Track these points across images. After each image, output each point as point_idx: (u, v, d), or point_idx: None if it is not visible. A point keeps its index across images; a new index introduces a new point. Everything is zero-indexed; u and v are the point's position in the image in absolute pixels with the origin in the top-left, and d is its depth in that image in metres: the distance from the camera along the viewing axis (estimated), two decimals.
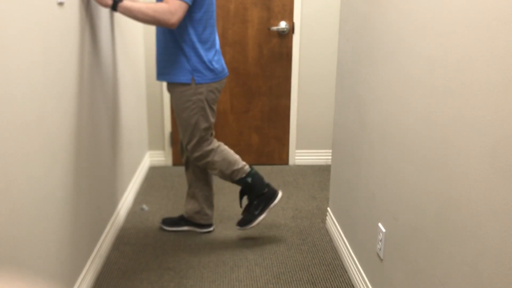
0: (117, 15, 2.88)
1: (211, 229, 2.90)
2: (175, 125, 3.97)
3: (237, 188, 3.58)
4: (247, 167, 2.67)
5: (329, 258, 2.63)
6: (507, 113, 1.13)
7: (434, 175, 1.51)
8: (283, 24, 3.84)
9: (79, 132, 2.13)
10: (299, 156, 4.12)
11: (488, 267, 1.22)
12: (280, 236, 2.86)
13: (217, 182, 3.69)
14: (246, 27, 3.84)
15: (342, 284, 2.39)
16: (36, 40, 1.67)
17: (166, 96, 3.92)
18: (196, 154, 2.62)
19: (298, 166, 4.10)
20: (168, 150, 4.04)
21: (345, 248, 2.53)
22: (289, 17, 3.84)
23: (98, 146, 2.45)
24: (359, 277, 2.29)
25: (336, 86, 2.75)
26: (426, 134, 1.56)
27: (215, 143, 2.65)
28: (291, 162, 4.12)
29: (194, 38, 2.47)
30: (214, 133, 2.66)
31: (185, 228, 2.90)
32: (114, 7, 2.26)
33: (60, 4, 1.90)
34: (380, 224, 2.00)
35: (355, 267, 2.35)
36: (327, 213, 2.99)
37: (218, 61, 2.58)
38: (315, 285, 2.37)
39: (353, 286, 2.37)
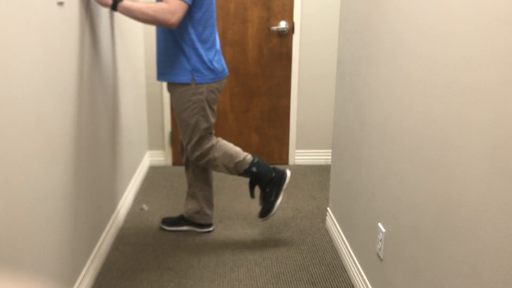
0: (117, 15, 2.88)
1: (211, 229, 2.90)
2: (175, 125, 3.97)
3: (237, 188, 3.58)
4: (249, 157, 2.65)
5: (329, 258, 2.63)
6: (507, 113, 1.13)
7: (434, 175, 1.51)
8: (283, 24, 3.84)
9: (79, 132, 2.13)
10: (299, 156, 4.12)
11: (487, 267, 1.22)
12: (280, 236, 2.86)
13: (217, 182, 3.69)
14: (246, 27, 3.84)
15: (342, 284, 2.39)
16: (36, 40, 1.67)
17: (166, 96, 3.92)
18: (196, 153, 2.62)
19: (298, 166, 4.10)
20: (168, 150, 4.04)
21: (345, 248, 2.53)
22: (289, 17, 3.84)
23: (98, 145, 2.45)
24: (359, 277, 2.29)
25: (336, 86, 2.75)
26: (426, 134, 1.56)
27: (214, 139, 2.65)
28: (291, 162, 4.13)
29: (194, 38, 2.47)
30: (214, 132, 2.66)
31: (185, 228, 2.90)
32: (114, 7, 2.26)
33: (60, 4, 1.90)
34: (380, 224, 2.00)
35: (355, 267, 2.35)
36: (327, 213, 2.99)
37: (219, 61, 2.58)
38: (315, 285, 2.37)
39: (352, 286, 2.37)
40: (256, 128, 4.05)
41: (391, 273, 1.88)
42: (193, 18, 2.44)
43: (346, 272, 2.49)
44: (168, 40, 2.49)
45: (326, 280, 2.42)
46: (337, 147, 2.75)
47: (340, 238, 2.65)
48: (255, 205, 3.28)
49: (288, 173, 2.69)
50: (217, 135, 4.03)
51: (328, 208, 2.98)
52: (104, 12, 2.56)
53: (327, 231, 2.94)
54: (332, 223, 2.83)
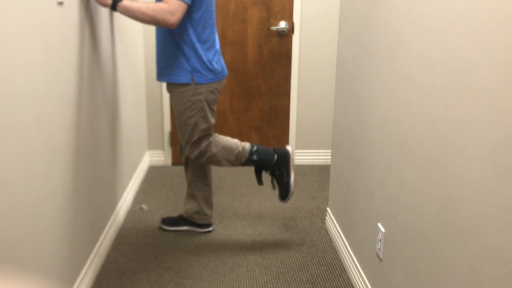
0: (117, 15, 2.88)
1: (210, 229, 2.90)
2: (174, 125, 3.97)
3: (236, 188, 3.59)
4: (247, 146, 2.64)
5: (328, 258, 2.63)
6: (506, 113, 1.13)
7: (433, 175, 1.51)
8: (282, 24, 3.84)
9: (79, 131, 2.13)
10: (298, 156, 4.12)
11: (487, 267, 1.22)
12: (279, 236, 2.86)
13: (217, 182, 3.69)
14: (245, 27, 3.84)
15: (342, 284, 2.39)
16: (36, 40, 1.67)
17: (166, 95, 3.92)
18: (195, 152, 2.61)
19: (298, 166, 4.10)
20: (168, 150, 4.04)
21: (345, 248, 2.54)
22: (289, 17, 3.84)
23: (98, 145, 2.45)
24: (358, 277, 2.29)
25: (336, 86, 2.75)
26: (425, 134, 1.56)
27: (211, 137, 2.64)
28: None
29: (194, 38, 2.47)
30: (213, 133, 2.65)
31: (185, 227, 2.90)
32: (113, 7, 2.26)
33: (60, 3, 1.90)
34: (379, 224, 2.00)
35: (355, 267, 2.35)
36: (327, 213, 2.99)
37: (218, 61, 2.58)
38: (315, 285, 2.38)
39: (352, 286, 2.37)
40: (256, 128, 4.06)
41: (391, 273, 1.88)
42: (193, 18, 2.44)
43: (345, 272, 2.49)
44: (168, 40, 2.49)
45: (326, 280, 2.42)
46: (336, 147, 2.75)
47: (339, 238, 2.65)
48: (255, 205, 3.28)
49: (289, 148, 2.67)
50: None
51: (327, 208, 2.98)
52: (104, 12, 2.56)
53: (327, 231, 2.94)
54: (332, 223, 2.83)
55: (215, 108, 2.63)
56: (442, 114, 1.45)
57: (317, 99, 4.02)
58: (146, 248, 2.70)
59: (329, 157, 4.13)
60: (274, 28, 3.83)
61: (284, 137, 4.08)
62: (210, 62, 2.52)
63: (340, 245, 2.63)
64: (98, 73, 2.45)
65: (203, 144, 2.60)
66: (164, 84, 3.90)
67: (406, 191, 1.73)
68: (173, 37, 2.48)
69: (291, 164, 2.65)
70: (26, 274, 1.61)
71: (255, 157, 2.62)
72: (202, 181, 2.82)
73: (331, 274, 2.48)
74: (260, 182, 2.70)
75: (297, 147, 4.11)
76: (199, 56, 2.49)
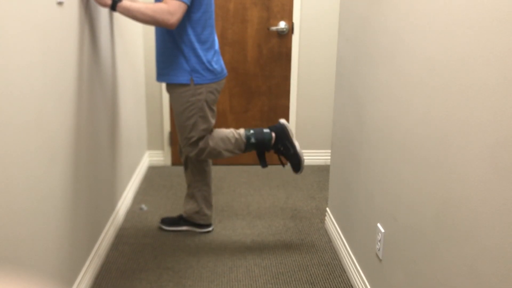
0: (117, 15, 2.88)
1: (210, 229, 2.90)
2: (174, 125, 3.97)
3: (236, 188, 3.59)
4: (242, 131, 2.63)
5: (328, 258, 2.63)
6: (506, 113, 1.14)
7: (433, 175, 1.51)
8: (282, 24, 3.84)
9: (79, 132, 2.13)
10: None
11: (487, 268, 1.22)
12: (279, 236, 2.86)
13: (216, 182, 3.69)
14: (245, 27, 3.84)
15: (341, 284, 2.39)
16: (36, 40, 1.67)
17: (165, 95, 3.92)
18: (195, 151, 2.61)
19: None
20: (167, 150, 4.04)
21: (344, 248, 2.54)
22: (289, 17, 3.84)
23: (97, 145, 2.45)
24: (358, 278, 2.29)
25: (336, 86, 2.75)
26: (425, 135, 1.56)
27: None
28: None
29: (193, 38, 2.47)
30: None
31: (184, 228, 2.90)
32: (113, 7, 2.26)
33: (60, 3, 1.90)
34: (379, 225, 2.00)
35: (354, 268, 2.35)
36: (326, 213, 2.99)
37: (217, 62, 2.58)
38: (314, 285, 2.38)
39: (352, 287, 2.37)
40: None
41: (390, 273, 1.88)
42: (192, 19, 2.44)
43: (345, 272, 2.50)
44: (167, 40, 2.49)
45: (325, 280, 2.42)
46: (336, 147, 2.75)
47: (339, 238, 2.65)
48: (254, 206, 3.28)
49: (283, 121, 2.65)
50: None
51: (327, 209, 2.98)
52: (103, 12, 2.56)
53: (326, 232, 2.94)
54: (331, 224, 2.83)
55: (215, 108, 2.63)
56: (442, 114, 1.45)
57: (317, 99, 4.02)
58: (146, 248, 2.70)
59: (329, 157, 4.13)
60: (273, 28, 3.83)
61: None
62: (209, 62, 2.52)
63: (340, 245, 2.63)
64: (97, 73, 2.45)
65: (201, 143, 2.60)
66: (163, 84, 3.90)
67: (405, 191, 1.73)
68: (173, 37, 2.48)
69: (291, 134, 2.63)
70: (26, 274, 1.61)
71: (253, 140, 2.61)
72: (201, 181, 2.82)
73: (330, 274, 2.48)
74: (264, 165, 2.68)
75: None
76: (198, 57, 2.49)
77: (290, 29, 3.86)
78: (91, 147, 2.34)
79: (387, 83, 1.90)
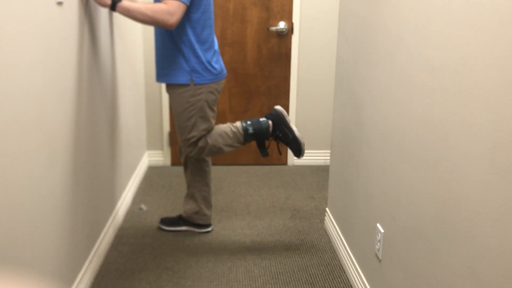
0: (116, 15, 2.88)
1: (209, 229, 2.90)
2: (174, 125, 3.97)
3: (235, 188, 3.59)
4: (239, 124, 2.62)
5: (327, 258, 2.63)
6: (505, 114, 1.14)
7: (432, 176, 1.51)
8: (282, 24, 3.84)
9: (78, 131, 2.13)
10: None
11: (486, 268, 1.22)
12: (278, 237, 2.86)
13: (216, 183, 3.69)
14: (245, 27, 3.84)
15: (341, 284, 2.39)
16: (35, 40, 1.67)
17: (165, 96, 3.92)
18: (195, 151, 2.61)
19: (297, 166, 4.10)
20: (167, 150, 4.04)
21: (344, 248, 2.54)
22: (288, 17, 3.84)
23: (97, 145, 2.45)
24: (357, 278, 2.29)
25: (335, 87, 2.75)
26: (424, 135, 1.56)
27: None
28: (289, 162, 4.13)
29: (193, 38, 2.47)
30: None
31: (184, 228, 2.90)
32: (113, 7, 2.25)
33: (59, 3, 1.90)
34: (378, 225, 2.01)
35: (354, 268, 2.35)
36: (326, 214, 2.99)
37: (217, 62, 2.58)
38: (314, 285, 2.38)
39: (351, 287, 2.37)
40: None
41: (390, 273, 1.88)
42: (191, 19, 2.44)
43: (344, 272, 2.50)
44: (167, 41, 2.49)
45: (325, 280, 2.42)
46: (335, 148, 2.75)
47: (338, 238, 2.65)
48: (254, 206, 3.28)
49: (279, 107, 2.64)
50: None
51: (326, 209, 2.99)
52: (103, 12, 2.56)
53: (326, 232, 2.94)
54: (331, 224, 2.83)
55: (215, 108, 2.63)
56: (441, 115, 1.45)
57: (316, 100, 4.02)
58: (145, 248, 2.70)
59: (328, 157, 4.13)
60: (273, 28, 3.83)
61: None
62: (209, 62, 2.52)
63: (339, 245, 2.63)
64: (97, 73, 2.45)
65: (200, 142, 2.60)
66: (163, 84, 3.90)
67: (405, 191, 1.73)
68: (172, 37, 2.48)
69: (287, 120, 2.62)
70: (25, 274, 1.61)
71: (250, 130, 2.59)
72: (201, 181, 2.82)
73: (330, 274, 2.48)
74: (265, 154, 2.67)
75: None
76: (198, 57, 2.49)
77: (290, 30, 3.86)
78: (91, 147, 2.34)
79: (387, 83, 1.90)
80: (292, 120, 4.04)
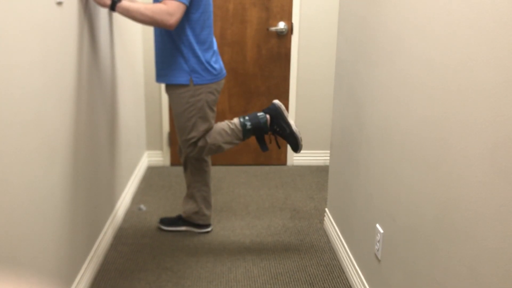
0: (116, 15, 2.88)
1: (209, 229, 2.90)
2: (173, 125, 3.97)
3: (235, 188, 3.59)
4: (236, 120, 2.62)
5: (327, 258, 2.63)
6: (506, 114, 1.14)
7: (432, 176, 1.51)
8: (281, 25, 3.84)
9: (78, 132, 2.13)
10: (297, 156, 4.12)
11: (486, 268, 1.22)
12: (278, 237, 2.86)
13: (215, 183, 3.69)
14: (245, 27, 3.84)
15: (340, 285, 2.39)
16: (35, 40, 1.67)
17: (165, 96, 3.92)
18: (195, 151, 2.61)
19: (296, 166, 4.10)
20: (166, 150, 4.03)
21: (343, 249, 2.54)
22: (288, 17, 3.84)
23: (97, 146, 2.45)
24: (356, 278, 2.29)
25: (335, 87, 2.75)
26: (424, 135, 1.56)
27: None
28: (289, 162, 4.13)
29: (192, 39, 2.47)
30: None
31: (183, 228, 2.90)
32: (112, 7, 2.25)
33: (59, 3, 1.90)
34: (378, 225, 2.01)
35: (353, 268, 2.35)
36: (325, 214, 2.99)
37: (216, 62, 2.58)
38: (313, 285, 2.38)
39: (350, 287, 2.37)
40: None
41: (389, 274, 1.88)
42: (191, 19, 2.44)
43: (344, 273, 2.50)
44: (166, 41, 2.49)
45: (324, 281, 2.42)
46: (335, 148, 2.75)
47: (338, 239, 2.65)
48: (253, 206, 3.28)
49: (277, 101, 2.63)
50: None
51: (326, 209, 2.99)
52: (103, 12, 2.55)
53: (325, 232, 2.94)
54: (330, 224, 2.83)
55: (215, 108, 2.62)
56: (441, 115, 1.45)
57: (316, 100, 4.02)
58: (145, 248, 2.69)
59: (328, 157, 4.13)
60: (273, 28, 3.83)
61: None
62: (208, 62, 2.52)
63: (339, 246, 2.63)
64: (97, 73, 2.45)
65: (199, 142, 2.60)
66: (163, 84, 3.89)
67: (405, 192, 1.73)
68: (171, 38, 2.48)
69: (285, 114, 2.61)
70: (25, 274, 1.61)
71: (248, 125, 2.59)
72: (201, 181, 2.82)
73: (329, 275, 2.48)
74: (264, 148, 2.66)
75: None
76: (197, 57, 2.49)
77: (290, 30, 3.86)
78: (90, 147, 2.33)
79: (387, 83, 1.90)
80: (292, 120, 4.03)
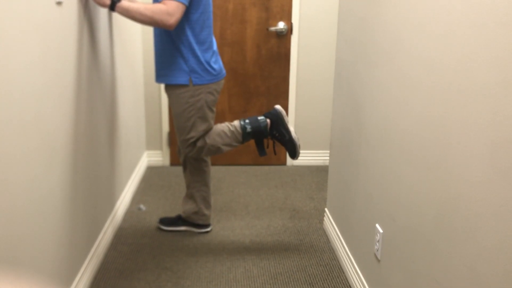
0: (116, 15, 2.88)
1: (208, 229, 2.90)
2: (173, 125, 3.97)
3: (234, 188, 3.59)
4: (237, 123, 2.62)
5: (326, 258, 2.63)
6: (505, 114, 1.14)
7: (432, 176, 1.51)
8: (281, 25, 3.84)
9: (77, 131, 2.13)
10: None
11: (485, 268, 1.22)
12: (277, 237, 2.86)
13: (215, 183, 3.69)
14: (244, 27, 3.84)
15: (340, 284, 2.39)
16: (35, 40, 1.67)
17: (164, 96, 3.92)
18: (194, 151, 2.61)
19: (296, 166, 4.10)
20: (166, 150, 4.03)
21: (343, 248, 2.54)
22: (288, 17, 3.84)
23: (96, 145, 2.44)
24: (356, 278, 2.29)
25: (334, 87, 2.75)
26: (424, 135, 1.56)
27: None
28: (289, 162, 4.13)
29: (192, 39, 2.47)
30: None
31: (183, 228, 2.90)
32: (112, 8, 2.25)
33: (59, 3, 1.90)
34: (377, 225, 2.01)
35: (353, 268, 2.35)
36: (325, 214, 2.99)
37: (216, 62, 2.58)
38: (313, 285, 2.38)
39: (350, 287, 2.37)
40: None
41: (389, 274, 1.88)
42: (190, 19, 2.44)
43: (343, 273, 2.50)
44: (165, 41, 2.49)
45: (324, 281, 2.42)
46: (335, 148, 2.75)
47: (337, 239, 2.65)
48: (253, 206, 3.28)
49: (278, 107, 2.63)
50: None
51: (325, 209, 2.99)
52: (102, 12, 2.55)
53: (325, 232, 2.94)
54: (330, 224, 2.83)
55: (214, 109, 2.62)
56: (441, 115, 1.45)
57: (316, 100, 4.02)
58: (144, 248, 2.69)
59: (327, 157, 4.13)
60: (273, 28, 3.83)
61: None
62: (208, 62, 2.52)
63: (338, 246, 2.63)
64: (96, 73, 2.45)
65: (199, 142, 2.60)
66: (162, 84, 3.89)
67: (404, 191, 1.73)
68: (171, 38, 2.48)
69: (286, 120, 2.61)
70: (24, 274, 1.61)
71: (248, 128, 2.58)
72: (200, 181, 2.82)
73: (329, 275, 2.48)
74: (263, 153, 2.65)
75: None
76: (197, 57, 2.48)
77: (289, 30, 3.87)
78: (90, 147, 2.33)
79: (386, 83, 1.90)
80: (291, 120, 4.04)
